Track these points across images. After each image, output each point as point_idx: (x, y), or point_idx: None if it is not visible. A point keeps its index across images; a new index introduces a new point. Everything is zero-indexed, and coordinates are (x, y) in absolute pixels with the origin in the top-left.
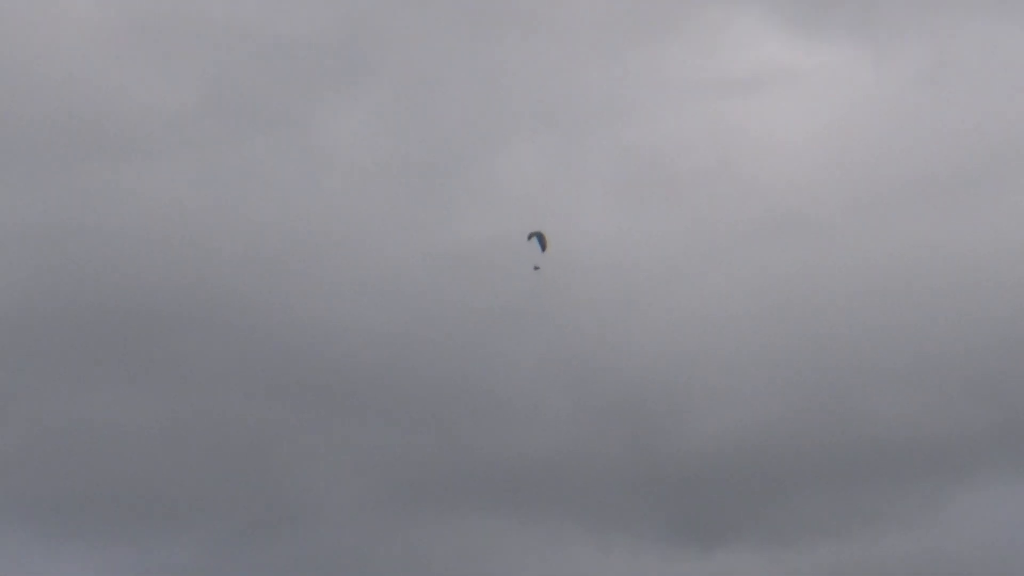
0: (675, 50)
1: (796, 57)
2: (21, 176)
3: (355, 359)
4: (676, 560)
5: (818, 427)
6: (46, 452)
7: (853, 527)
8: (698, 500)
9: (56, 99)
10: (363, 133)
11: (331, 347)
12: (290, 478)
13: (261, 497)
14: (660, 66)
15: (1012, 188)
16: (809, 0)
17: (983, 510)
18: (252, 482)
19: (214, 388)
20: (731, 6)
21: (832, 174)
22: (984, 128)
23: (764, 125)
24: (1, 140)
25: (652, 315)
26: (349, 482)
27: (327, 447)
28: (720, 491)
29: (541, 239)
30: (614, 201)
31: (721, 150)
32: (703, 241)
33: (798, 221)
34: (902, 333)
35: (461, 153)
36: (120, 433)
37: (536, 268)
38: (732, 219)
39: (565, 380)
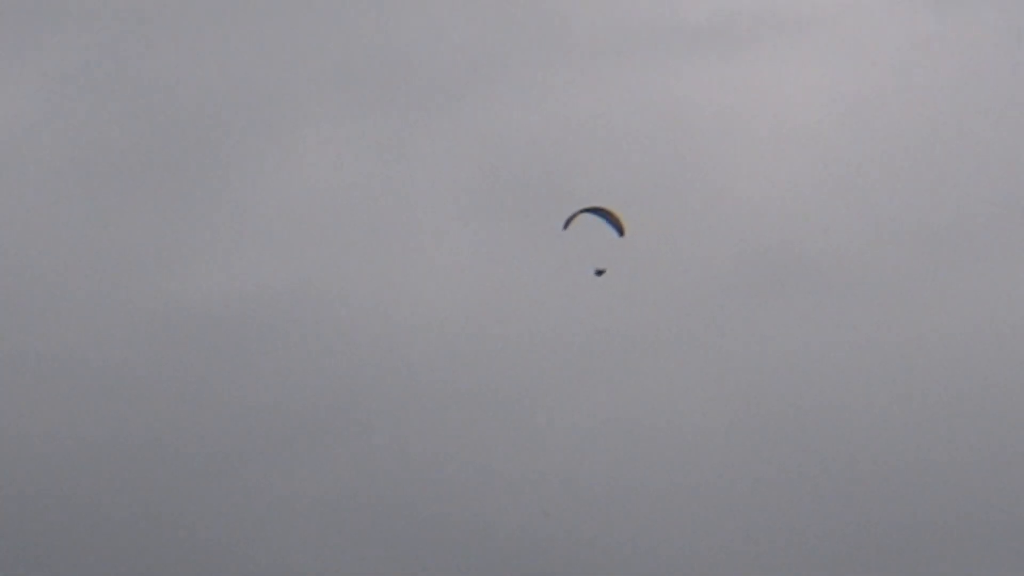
0: None
1: None
2: None
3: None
4: None
5: None
6: None
7: None
8: None
9: None
10: (33, 120)
11: None
12: None
13: None
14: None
15: None
16: None
17: None
18: None
19: None
20: None
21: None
22: None
23: (751, 104)
24: None
25: (559, 430)
26: None
27: None
28: None
29: (609, 218)
30: (485, 233)
31: (675, 139)
32: (651, 303)
33: (809, 270)
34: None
35: (206, 154)
36: None
37: (599, 272)
38: (700, 264)
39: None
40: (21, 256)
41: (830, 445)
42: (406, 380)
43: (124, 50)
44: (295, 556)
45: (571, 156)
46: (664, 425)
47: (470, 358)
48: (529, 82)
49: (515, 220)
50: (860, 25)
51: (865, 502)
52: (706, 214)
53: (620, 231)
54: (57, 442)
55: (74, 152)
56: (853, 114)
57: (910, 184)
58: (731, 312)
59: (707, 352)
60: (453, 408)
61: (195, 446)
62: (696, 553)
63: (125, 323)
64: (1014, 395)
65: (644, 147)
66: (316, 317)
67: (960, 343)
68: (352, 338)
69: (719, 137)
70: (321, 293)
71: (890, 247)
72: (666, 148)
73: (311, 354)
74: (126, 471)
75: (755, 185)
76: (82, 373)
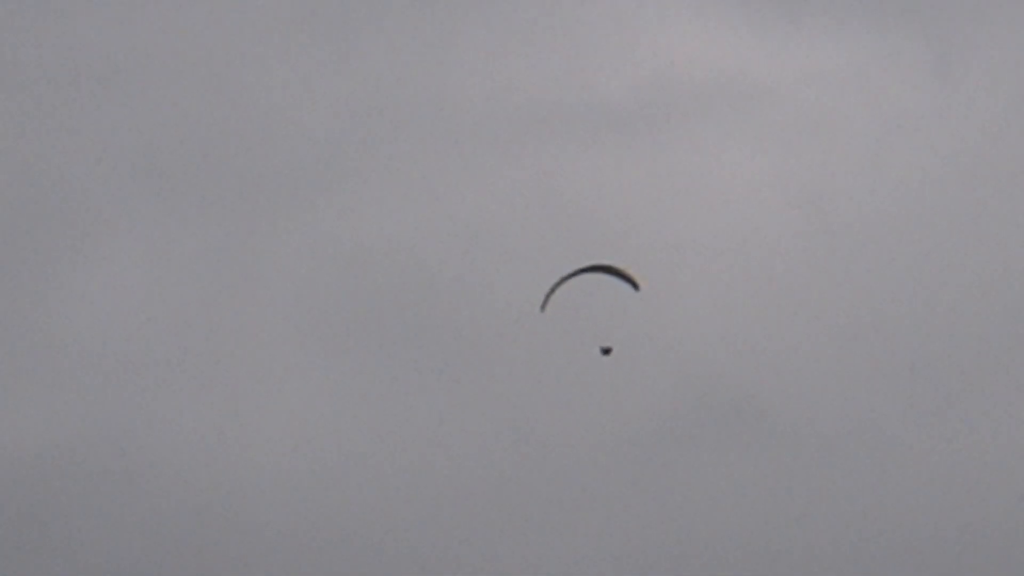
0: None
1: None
2: None
3: None
4: None
5: None
6: None
7: None
8: None
9: None
10: None
11: None
12: None
13: None
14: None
15: None
16: None
17: None
18: None
19: None
20: None
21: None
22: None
23: (682, 200)
24: None
25: None
26: None
27: None
28: None
29: (614, 273)
30: (342, 365)
31: (586, 245)
32: (564, 450)
33: (761, 412)
34: None
35: None
36: None
37: (606, 352)
38: (622, 404)
39: None
40: None
41: None
42: (247, 551)
43: None
44: None
45: (453, 266)
46: None
47: (332, 523)
48: (396, 174)
49: (379, 347)
50: (826, 98)
51: None
52: (629, 341)
53: (634, 285)
54: None
55: None
56: (818, 214)
57: (892, 306)
58: (661, 463)
59: (631, 511)
60: None
61: None
62: None
63: None
64: (996, 552)
65: (545, 254)
66: (133, 475)
67: (945, 504)
68: (183, 502)
69: (642, 241)
70: (136, 444)
71: (864, 386)
72: (574, 256)
73: (133, 519)
74: None
75: (692, 304)
76: None
